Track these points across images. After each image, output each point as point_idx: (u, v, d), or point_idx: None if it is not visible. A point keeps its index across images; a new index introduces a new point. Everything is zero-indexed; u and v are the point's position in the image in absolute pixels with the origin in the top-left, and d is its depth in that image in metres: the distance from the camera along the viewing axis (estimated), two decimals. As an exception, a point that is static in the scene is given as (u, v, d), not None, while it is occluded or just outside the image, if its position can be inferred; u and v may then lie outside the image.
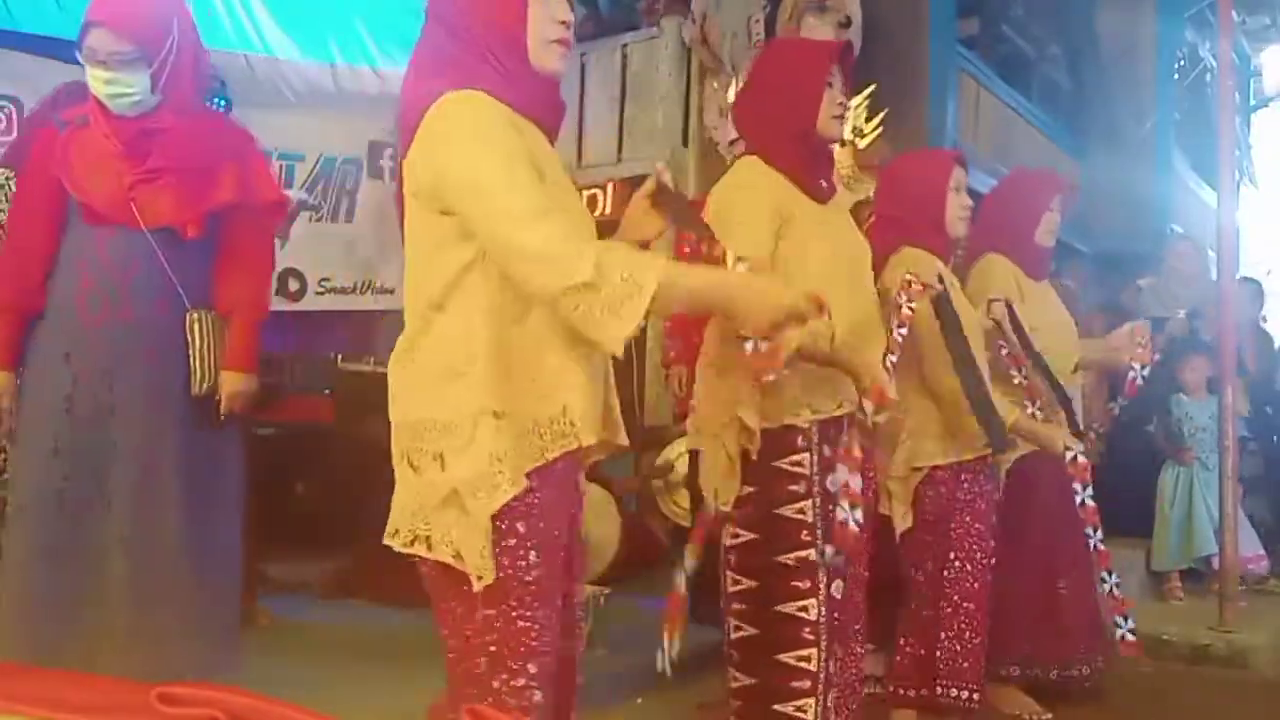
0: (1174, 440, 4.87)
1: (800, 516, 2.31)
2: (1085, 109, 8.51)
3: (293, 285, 5.46)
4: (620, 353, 1.55)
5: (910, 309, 2.49)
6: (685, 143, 5.84)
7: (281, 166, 5.46)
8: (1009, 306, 3.03)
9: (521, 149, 1.60)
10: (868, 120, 4.84)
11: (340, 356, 5.40)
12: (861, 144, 4.72)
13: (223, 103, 5.12)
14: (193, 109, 2.63)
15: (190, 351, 2.54)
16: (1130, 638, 2.89)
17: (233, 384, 2.60)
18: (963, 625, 2.90)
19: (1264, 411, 5.44)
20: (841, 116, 2.44)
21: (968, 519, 2.92)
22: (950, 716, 2.92)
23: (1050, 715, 3.19)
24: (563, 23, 1.70)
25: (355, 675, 3.00)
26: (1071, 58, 8.57)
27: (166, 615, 2.47)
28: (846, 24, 5.60)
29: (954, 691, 2.89)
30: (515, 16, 1.67)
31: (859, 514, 2.28)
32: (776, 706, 2.28)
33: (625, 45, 6.05)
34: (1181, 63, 9.16)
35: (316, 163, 5.56)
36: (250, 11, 5.40)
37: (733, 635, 2.37)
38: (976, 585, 2.91)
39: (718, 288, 1.64)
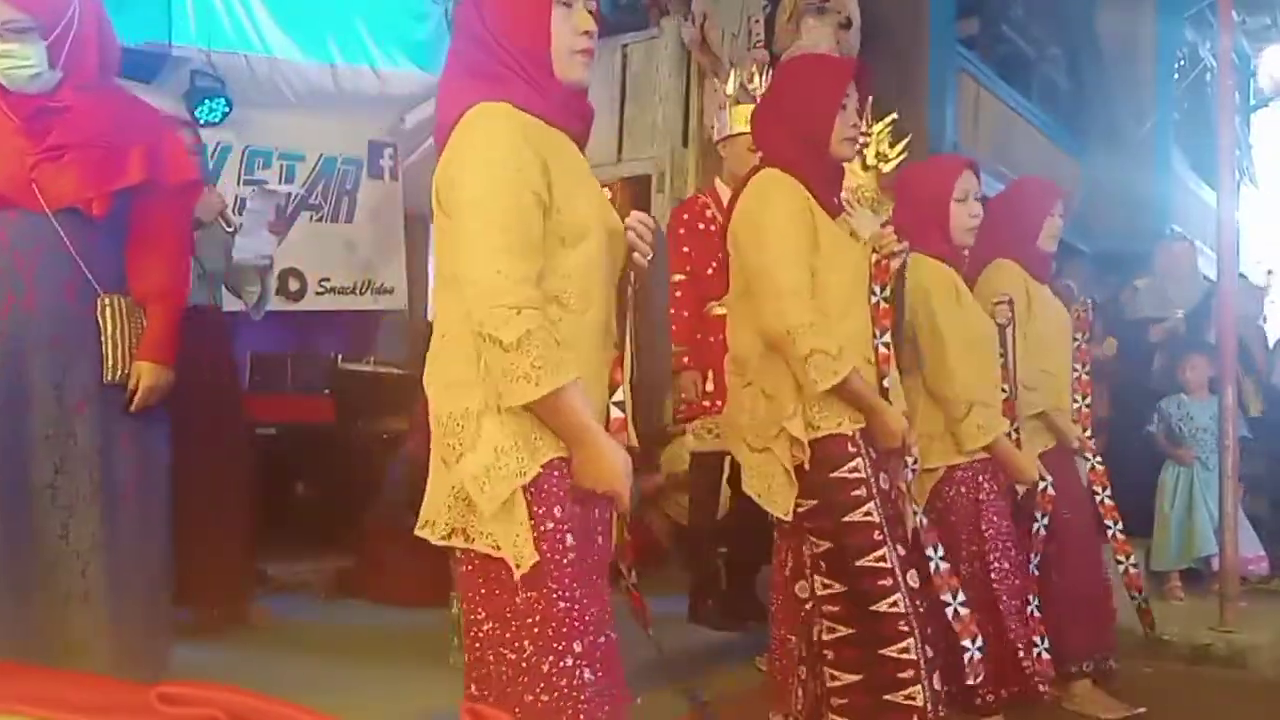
0: (1174, 440, 4.87)
1: (869, 519, 2.39)
2: (1085, 109, 8.52)
3: (293, 285, 5.46)
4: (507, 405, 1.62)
5: (881, 296, 2.52)
6: (685, 143, 5.84)
7: (282, 166, 5.46)
8: (1010, 318, 3.09)
9: (525, 179, 1.64)
10: (891, 145, 4.81)
11: (340, 356, 5.41)
12: (885, 168, 4.71)
13: (223, 103, 5.14)
14: (98, 84, 2.46)
15: (101, 339, 2.40)
16: (1145, 607, 3.57)
17: (148, 376, 2.45)
18: (1017, 623, 2.93)
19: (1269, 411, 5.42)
20: (854, 138, 2.50)
21: (994, 517, 2.94)
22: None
23: (1144, 709, 3.21)
24: (585, 33, 1.74)
25: (355, 675, 3.00)
26: (1071, 58, 8.58)
27: (80, 616, 2.34)
28: (846, 25, 5.60)
29: (1028, 688, 2.90)
30: (539, 29, 1.72)
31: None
32: (887, 697, 2.37)
33: (625, 45, 6.05)
34: (1181, 63, 9.16)
35: (317, 163, 5.56)
36: (250, 12, 5.40)
37: (827, 636, 2.44)
38: (1019, 582, 2.96)
39: (584, 436, 1.65)
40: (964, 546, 2.91)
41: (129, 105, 2.57)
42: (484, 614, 1.66)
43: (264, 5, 5.44)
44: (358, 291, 5.68)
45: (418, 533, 1.71)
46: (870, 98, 2.60)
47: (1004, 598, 2.92)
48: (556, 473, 1.66)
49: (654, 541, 5.08)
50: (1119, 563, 3.44)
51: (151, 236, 2.51)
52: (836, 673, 2.42)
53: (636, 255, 1.79)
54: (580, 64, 1.75)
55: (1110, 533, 3.42)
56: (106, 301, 2.42)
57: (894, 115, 4.80)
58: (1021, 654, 2.90)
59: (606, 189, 6.07)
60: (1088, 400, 3.39)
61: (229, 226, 3.64)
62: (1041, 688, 2.91)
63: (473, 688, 1.69)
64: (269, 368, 5.04)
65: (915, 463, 2.59)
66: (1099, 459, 3.42)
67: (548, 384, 1.58)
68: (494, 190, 1.63)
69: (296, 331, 5.66)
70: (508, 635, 1.64)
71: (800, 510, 2.41)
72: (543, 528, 1.63)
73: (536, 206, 1.65)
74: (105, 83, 2.52)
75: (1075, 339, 3.38)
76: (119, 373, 2.42)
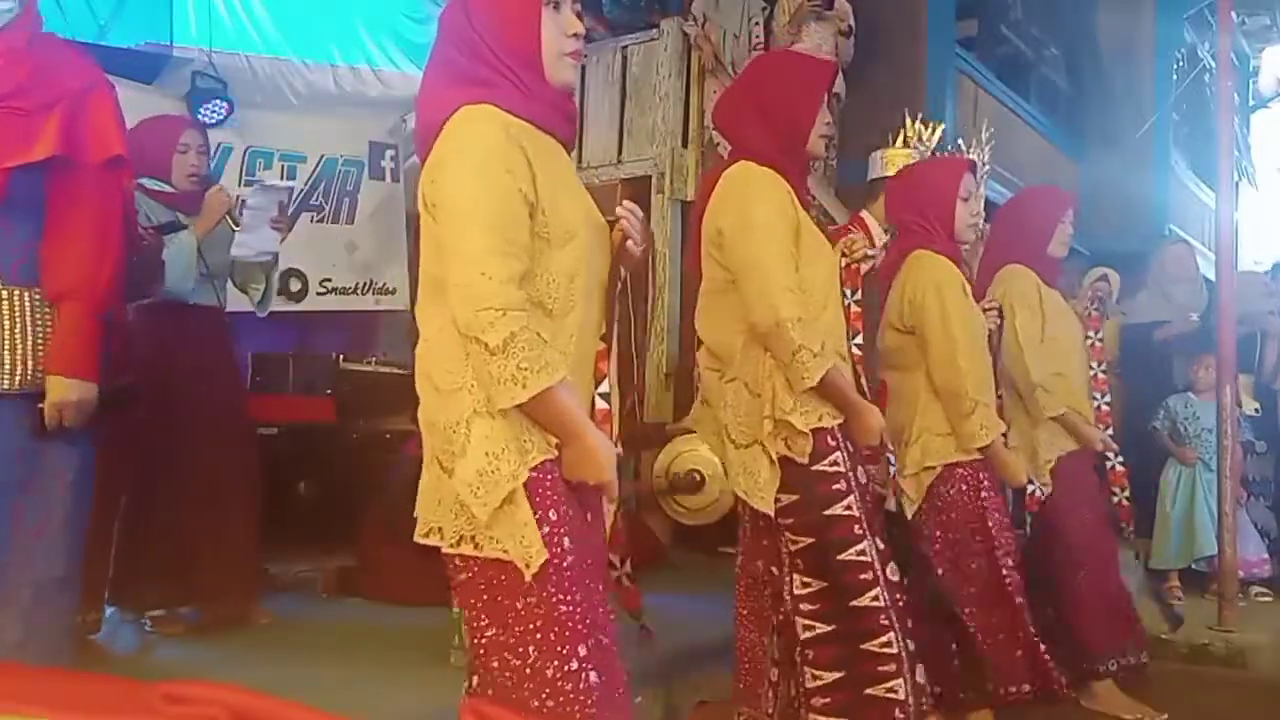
0: (1178, 439, 4.87)
1: (849, 512, 2.40)
2: (1084, 110, 8.51)
3: (294, 286, 5.48)
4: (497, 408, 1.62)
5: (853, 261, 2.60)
6: (685, 143, 5.84)
7: (283, 167, 5.47)
8: (999, 324, 3.13)
9: (511, 181, 1.65)
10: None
11: (341, 356, 5.42)
12: (925, 149, 4.63)
13: (225, 103, 5.15)
14: (18, 34, 2.12)
15: None
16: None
17: (55, 391, 2.09)
18: (1025, 619, 2.94)
19: (1273, 412, 5.40)
20: (829, 136, 2.56)
21: (998, 515, 2.96)
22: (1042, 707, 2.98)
23: (1166, 715, 3.23)
24: (574, 35, 1.76)
25: (355, 675, 3.00)
26: (1070, 59, 8.57)
27: None
28: (848, 33, 5.60)
29: (1051, 684, 2.93)
30: (530, 32, 1.73)
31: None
32: (869, 691, 2.38)
33: (625, 46, 6.05)
34: (1180, 63, 9.15)
35: (318, 164, 5.57)
36: (252, 13, 5.41)
37: (805, 635, 2.44)
38: (1022, 577, 2.97)
39: (574, 432, 1.66)
40: (970, 542, 2.92)
41: (46, 64, 2.14)
42: (487, 620, 1.66)
43: (265, 6, 5.45)
44: (359, 292, 5.69)
45: (422, 540, 1.70)
46: (842, 96, 2.62)
47: (1016, 596, 2.93)
48: (550, 475, 1.66)
49: (654, 541, 5.09)
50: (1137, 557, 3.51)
51: (66, 223, 2.12)
52: (817, 671, 2.42)
53: (630, 244, 1.80)
54: (568, 66, 1.77)
55: (1122, 533, 3.54)
56: (3, 295, 2.09)
57: (942, 126, 4.66)
58: (1044, 649, 2.91)
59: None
60: (1106, 398, 3.47)
61: (236, 226, 3.65)
62: (1011, 689, 2.92)
63: (477, 692, 1.69)
64: (270, 368, 5.05)
65: (893, 458, 2.61)
66: (1120, 459, 3.46)
67: (534, 385, 1.58)
68: (480, 192, 1.64)
69: (298, 332, 5.67)
70: (511, 641, 1.63)
71: (779, 505, 2.41)
72: (541, 531, 1.63)
73: (523, 207, 1.65)
74: (29, 29, 2.14)
75: (1088, 337, 3.47)
76: (15, 380, 2.08)
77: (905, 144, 3.98)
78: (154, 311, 3.45)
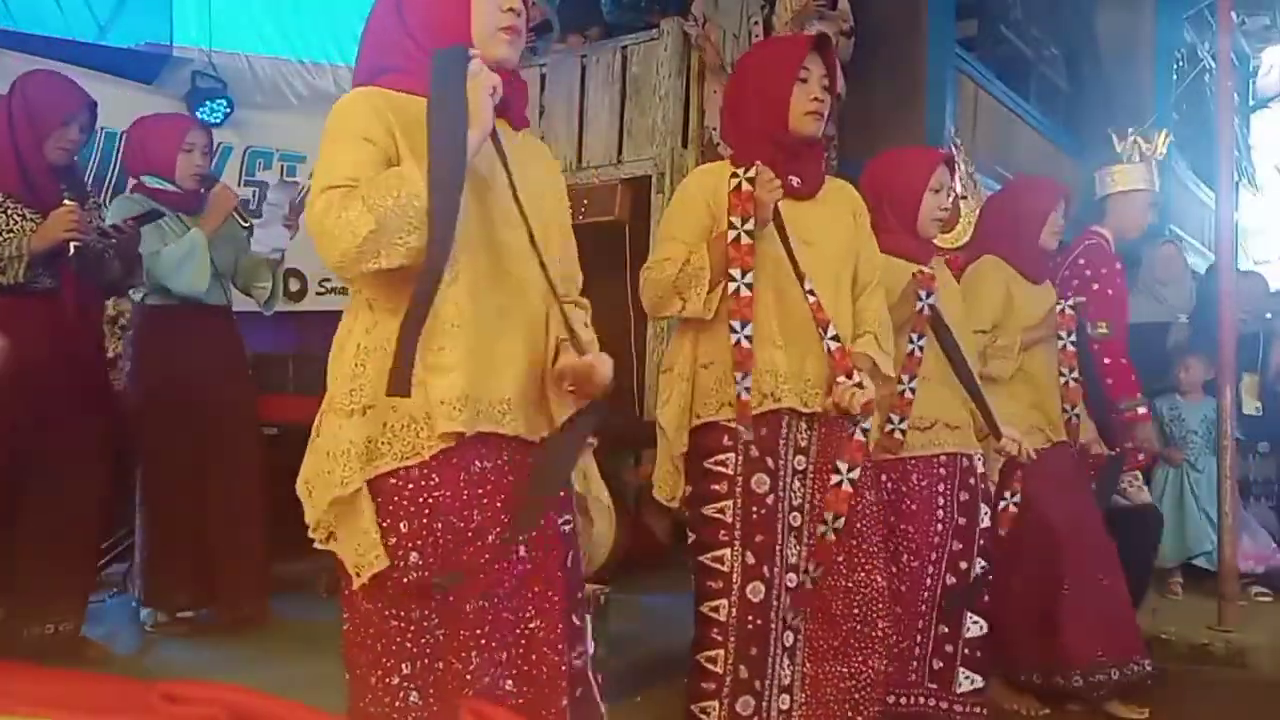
0: (1164, 440, 4.87)
1: (719, 517, 2.30)
2: (1084, 110, 8.51)
3: (293, 286, 5.48)
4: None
5: None
6: (685, 143, 5.84)
7: (283, 167, 5.48)
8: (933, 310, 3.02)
9: (357, 126, 1.60)
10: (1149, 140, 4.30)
11: (341, 357, 5.40)
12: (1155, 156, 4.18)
13: (224, 104, 5.15)
14: None
15: None
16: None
17: None
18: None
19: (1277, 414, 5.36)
20: (818, 113, 2.38)
21: (891, 518, 2.76)
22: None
23: (1047, 710, 3.21)
24: (510, 9, 1.69)
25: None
26: (1070, 59, 8.57)
27: None
28: (849, 33, 5.60)
29: (939, 701, 2.83)
30: (458, 7, 1.67)
31: (839, 523, 2.26)
32: (690, 705, 2.31)
33: (625, 46, 6.05)
34: (1180, 63, 9.15)
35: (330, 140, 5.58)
36: (251, 13, 5.41)
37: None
38: (906, 586, 2.79)
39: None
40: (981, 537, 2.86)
41: None
42: (345, 610, 1.66)
43: (265, 6, 5.45)
44: (358, 292, 5.68)
45: (310, 534, 1.68)
46: (840, 70, 2.52)
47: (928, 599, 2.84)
48: (409, 485, 1.58)
49: (654, 541, 5.08)
50: None
51: None
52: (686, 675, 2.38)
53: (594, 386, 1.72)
54: (503, 41, 1.69)
55: None
56: None
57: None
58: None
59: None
60: (1077, 410, 3.23)
61: (244, 223, 3.65)
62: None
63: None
64: (271, 368, 5.05)
65: (902, 420, 2.54)
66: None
67: (418, 182, 1.50)
68: (330, 146, 1.60)
69: (298, 332, 5.66)
70: (352, 639, 1.64)
71: (684, 495, 2.38)
72: (387, 540, 1.57)
73: (366, 144, 1.59)
74: None
75: (1060, 338, 3.23)
76: None
77: (1134, 158, 3.88)
78: (166, 313, 3.45)
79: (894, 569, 2.72)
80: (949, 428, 2.84)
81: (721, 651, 2.26)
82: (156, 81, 5.08)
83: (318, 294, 5.58)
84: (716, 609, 2.28)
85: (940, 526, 2.78)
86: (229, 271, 3.60)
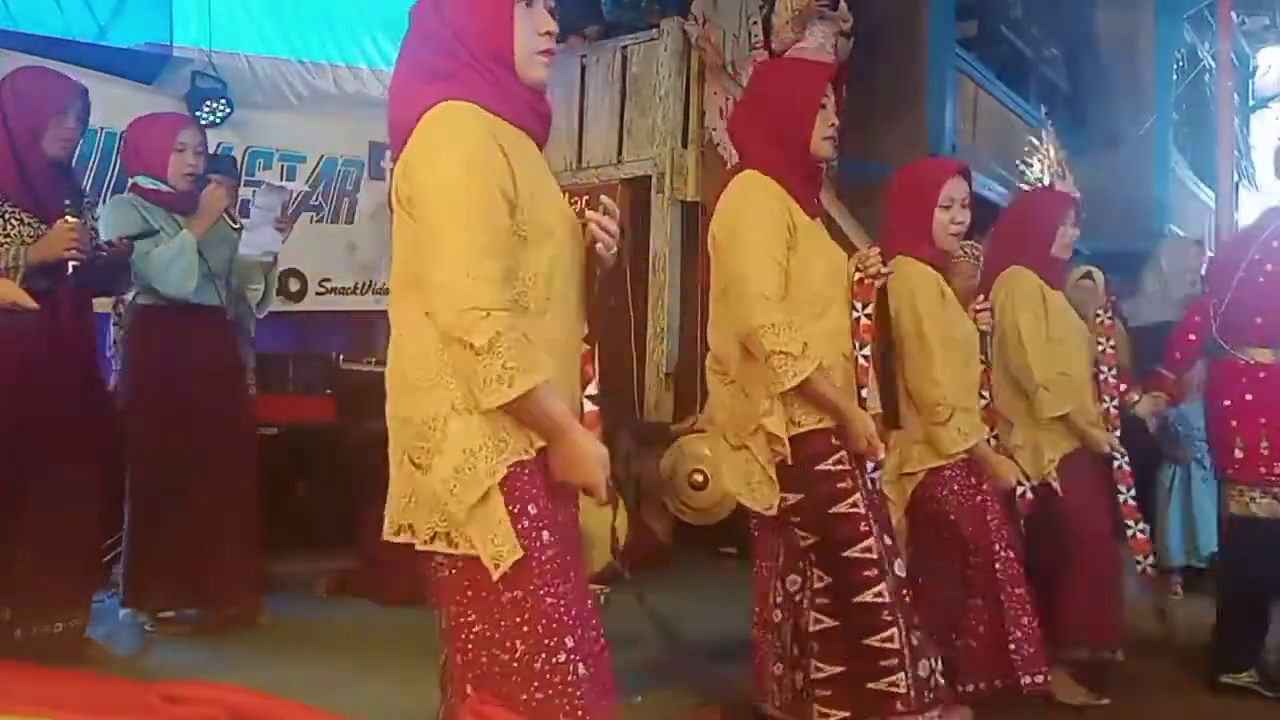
0: (1170, 440, 4.87)
1: (855, 510, 2.42)
2: (1084, 110, 8.51)
3: (293, 286, 5.48)
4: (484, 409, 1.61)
5: (867, 316, 2.56)
6: (685, 143, 5.85)
7: (283, 167, 5.48)
8: (991, 325, 3.13)
9: (493, 178, 1.64)
10: None
11: (341, 356, 5.42)
12: None
13: (224, 104, 5.15)
14: None
15: None
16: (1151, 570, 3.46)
17: None
18: (1021, 612, 2.94)
19: None
20: (833, 138, 2.53)
21: (999, 507, 2.97)
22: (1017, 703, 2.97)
23: (1108, 700, 3.24)
24: (546, 33, 1.75)
25: (356, 674, 3.01)
26: (1070, 59, 8.58)
27: None
28: (849, 34, 5.61)
29: (1028, 678, 2.93)
30: (503, 30, 1.71)
31: None
32: (870, 685, 2.39)
33: (625, 46, 6.05)
34: (1180, 63, 9.16)
35: (318, 164, 5.58)
36: (251, 13, 5.42)
37: (814, 628, 2.47)
38: (1021, 571, 2.97)
39: (559, 432, 1.66)
40: (971, 540, 2.92)
41: None
42: (474, 615, 1.64)
43: (265, 6, 5.45)
44: (359, 292, 5.69)
45: (392, 538, 1.69)
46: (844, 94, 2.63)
47: (1008, 588, 2.93)
48: (527, 471, 1.64)
49: (655, 541, 5.09)
50: (1138, 563, 3.45)
51: None
52: (821, 664, 2.45)
53: (599, 247, 1.78)
54: (540, 64, 1.75)
55: (1130, 532, 3.46)
56: None
57: None
58: (1014, 647, 2.92)
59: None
60: (1115, 401, 3.46)
61: (235, 224, 3.64)
62: (1025, 679, 2.92)
63: (468, 689, 1.67)
64: (270, 368, 5.05)
65: (876, 469, 2.62)
66: (1127, 459, 3.46)
67: (521, 385, 1.57)
68: (463, 189, 1.62)
69: (298, 332, 5.67)
70: (498, 635, 1.62)
71: (785, 504, 2.45)
72: (518, 526, 1.62)
73: (504, 205, 1.64)
74: None
75: (1099, 343, 3.47)
76: None
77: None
78: (157, 313, 3.45)
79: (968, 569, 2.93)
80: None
81: (895, 629, 2.39)
82: (156, 81, 5.08)
83: (317, 294, 5.58)
84: (880, 593, 2.40)
85: (992, 518, 2.96)
86: (223, 272, 3.59)
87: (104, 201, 3.92)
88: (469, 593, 1.64)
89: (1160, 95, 8.67)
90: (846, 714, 2.42)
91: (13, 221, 2.98)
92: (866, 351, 2.52)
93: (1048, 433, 3.30)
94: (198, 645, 3.39)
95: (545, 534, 1.64)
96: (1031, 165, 3.79)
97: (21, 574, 3.03)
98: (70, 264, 2.96)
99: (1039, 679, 2.94)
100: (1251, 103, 11.25)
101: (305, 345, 5.68)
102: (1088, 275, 4.13)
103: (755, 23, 5.76)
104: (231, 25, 5.39)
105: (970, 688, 2.96)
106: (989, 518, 2.94)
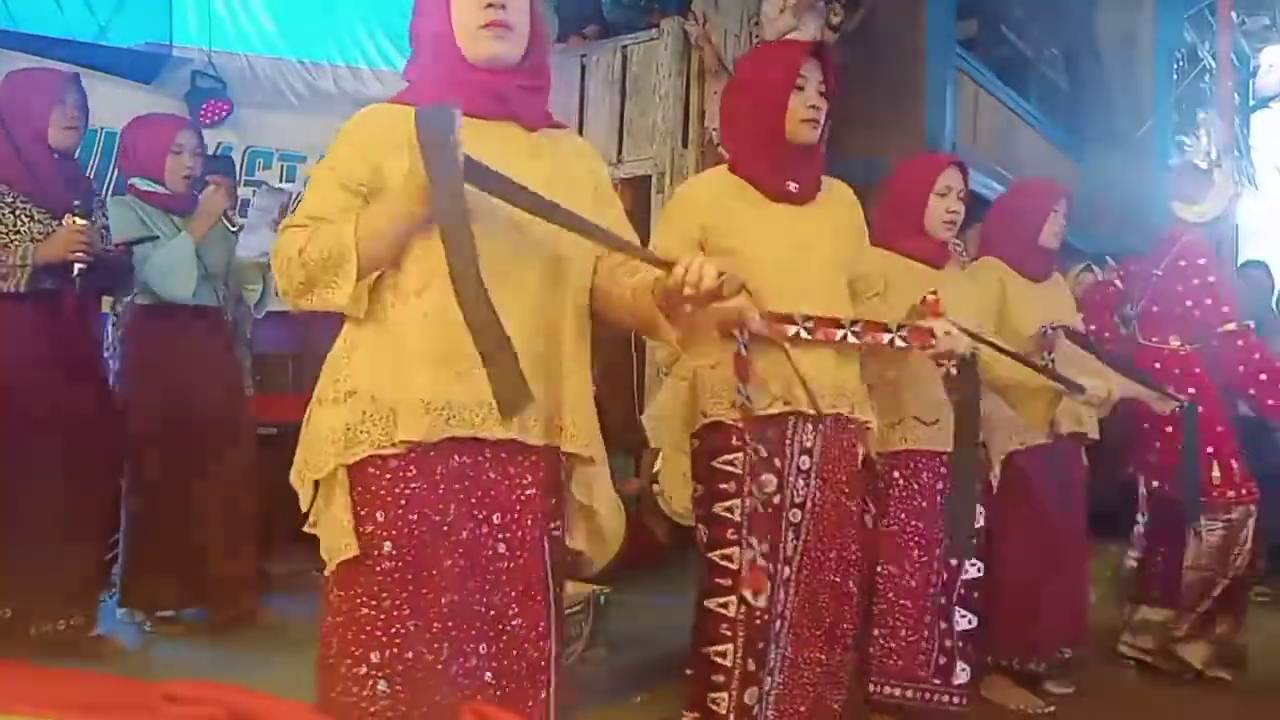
0: None
1: (729, 516, 2.33)
2: (1084, 110, 8.51)
3: (293, 286, 5.47)
4: (350, 311, 1.61)
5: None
6: (685, 143, 5.84)
7: (283, 167, 5.48)
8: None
9: (342, 176, 1.66)
10: None
11: (341, 357, 5.41)
12: None
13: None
14: None
15: None
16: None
17: None
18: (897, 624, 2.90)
19: None
20: (814, 120, 2.38)
21: (902, 515, 2.88)
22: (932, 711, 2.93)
23: (1053, 708, 3.25)
24: (489, 5, 1.65)
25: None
26: (1070, 59, 8.57)
27: None
28: (836, 28, 5.62)
29: (940, 694, 2.89)
30: (439, 8, 1.68)
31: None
32: (700, 698, 2.36)
33: (625, 46, 6.05)
34: (1180, 63, 9.16)
35: (318, 164, 5.58)
36: (251, 13, 5.42)
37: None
38: (914, 583, 2.88)
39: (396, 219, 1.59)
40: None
41: None
42: (323, 597, 1.67)
43: (265, 6, 5.45)
44: (358, 292, 5.69)
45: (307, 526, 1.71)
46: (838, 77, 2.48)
47: (889, 596, 2.89)
48: (389, 475, 1.61)
49: (654, 541, 5.08)
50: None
51: None
52: (688, 669, 2.42)
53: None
54: (487, 38, 1.66)
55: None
56: None
57: None
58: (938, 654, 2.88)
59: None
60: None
61: (232, 226, 3.63)
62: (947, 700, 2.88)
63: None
64: (270, 368, 5.04)
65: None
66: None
67: (347, 237, 1.56)
68: (320, 168, 1.71)
69: (298, 331, 5.66)
70: (326, 623, 1.64)
71: (694, 495, 2.41)
72: (362, 528, 1.60)
73: (341, 192, 1.66)
74: None
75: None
76: None
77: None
78: (155, 313, 3.45)
79: (904, 564, 2.85)
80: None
81: (730, 646, 2.30)
82: (156, 81, 5.08)
83: (318, 294, 5.58)
84: (725, 605, 2.32)
85: (916, 524, 2.88)
86: (221, 273, 3.59)
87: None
88: (318, 570, 1.67)
89: (1160, 95, 8.66)
90: (696, 715, 2.38)
91: (23, 218, 2.98)
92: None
93: (998, 429, 3.21)
94: (198, 645, 3.39)
95: (387, 544, 1.61)
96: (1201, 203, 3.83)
97: (24, 573, 3.03)
98: (76, 265, 2.96)
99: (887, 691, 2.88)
100: (1251, 103, 11.24)
101: (305, 345, 5.67)
102: (1087, 268, 4.13)
103: (756, 23, 5.76)
104: (231, 25, 5.39)
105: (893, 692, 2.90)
106: (888, 522, 2.87)
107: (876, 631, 2.87)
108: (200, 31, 5.19)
